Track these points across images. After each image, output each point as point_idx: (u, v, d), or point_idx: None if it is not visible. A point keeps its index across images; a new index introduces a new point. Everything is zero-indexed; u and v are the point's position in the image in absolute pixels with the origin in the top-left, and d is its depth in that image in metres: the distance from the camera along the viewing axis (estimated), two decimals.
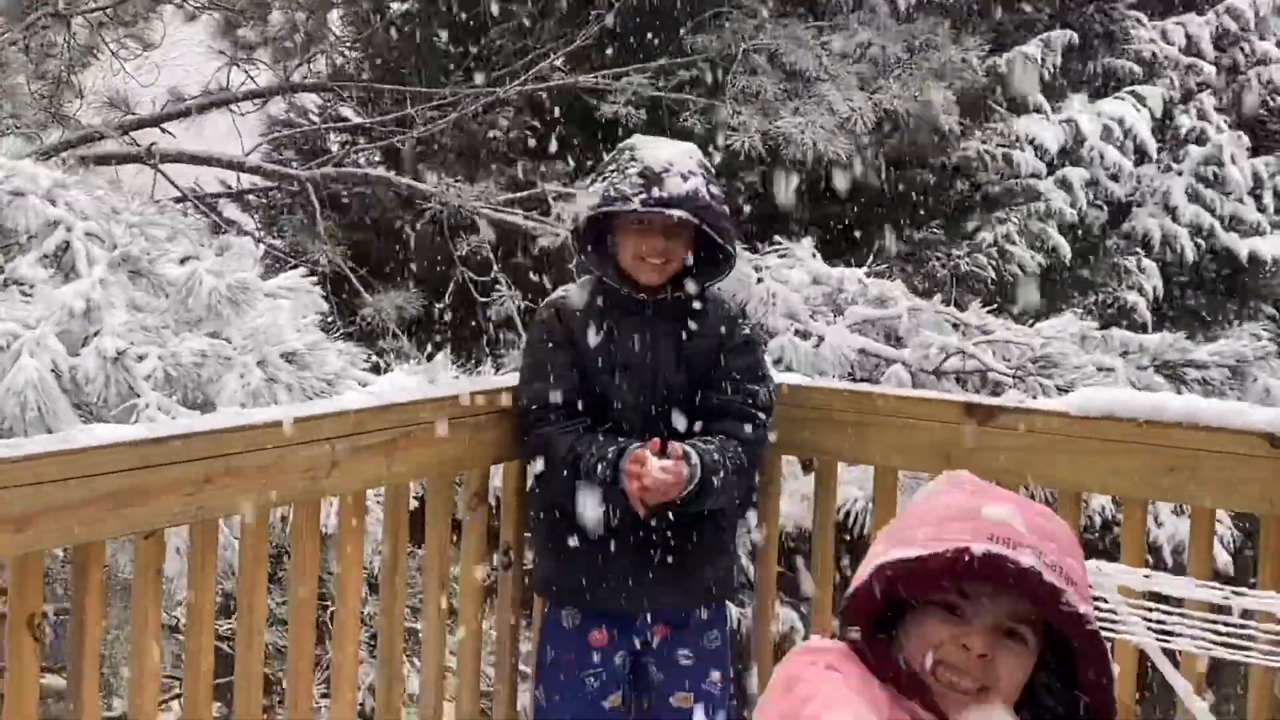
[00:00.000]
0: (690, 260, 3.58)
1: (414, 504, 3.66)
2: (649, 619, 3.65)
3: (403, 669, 3.76)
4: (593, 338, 3.56)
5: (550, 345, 3.58)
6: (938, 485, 2.12)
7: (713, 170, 3.61)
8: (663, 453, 3.42)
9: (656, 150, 3.53)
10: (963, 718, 1.97)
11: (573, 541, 3.54)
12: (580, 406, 3.55)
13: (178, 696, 5.95)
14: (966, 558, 1.91)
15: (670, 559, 3.57)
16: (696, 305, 3.59)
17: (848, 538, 5.75)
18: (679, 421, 3.58)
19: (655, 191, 3.43)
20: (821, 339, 7.16)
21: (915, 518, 2.05)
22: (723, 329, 3.61)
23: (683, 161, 3.48)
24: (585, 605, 3.63)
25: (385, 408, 3.29)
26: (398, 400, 3.40)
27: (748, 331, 3.67)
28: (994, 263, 9.50)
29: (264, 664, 3.15)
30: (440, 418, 3.38)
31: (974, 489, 2.07)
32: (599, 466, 3.43)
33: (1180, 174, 11.65)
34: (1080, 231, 10.72)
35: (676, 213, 3.41)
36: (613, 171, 3.54)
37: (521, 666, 4.03)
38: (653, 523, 3.51)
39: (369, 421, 3.20)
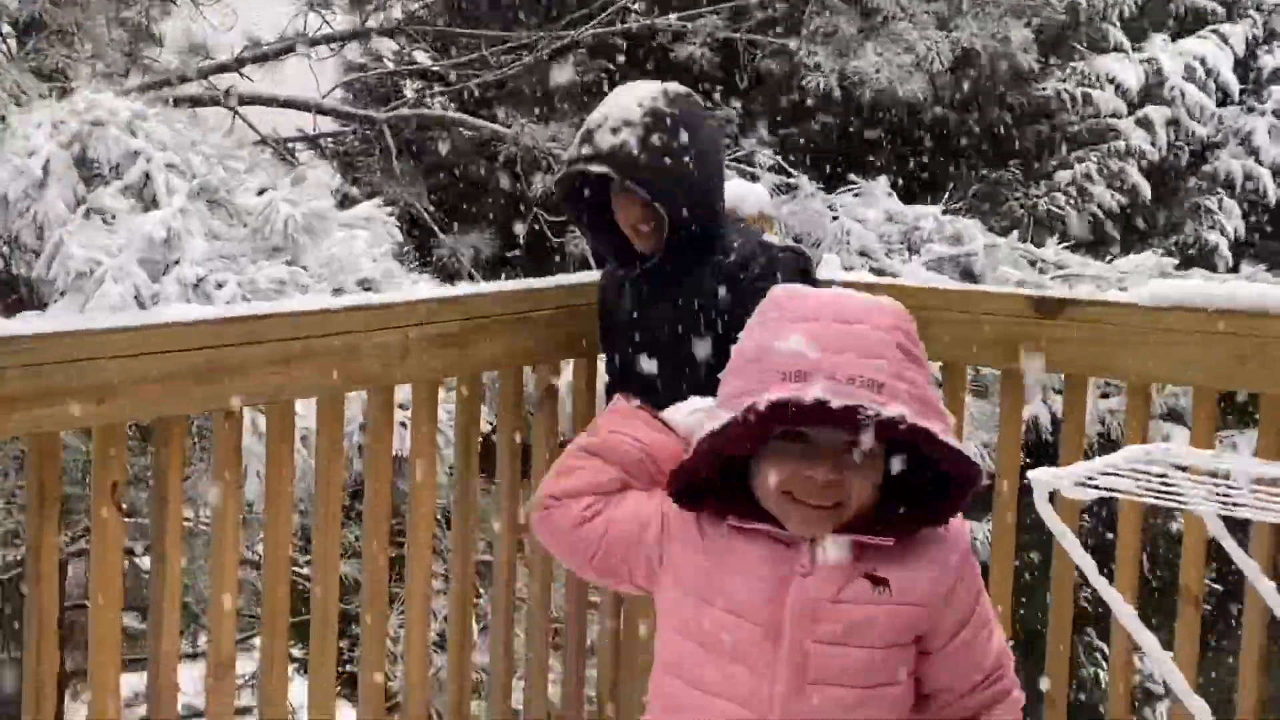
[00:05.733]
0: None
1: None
2: None
3: (474, 582, 3.78)
4: (612, 305, 3.45)
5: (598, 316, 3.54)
6: (761, 313, 2.07)
7: (683, 116, 3.15)
8: None
9: (607, 101, 3.20)
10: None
11: None
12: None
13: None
14: (753, 417, 1.91)
15: None
16: (694, 266, 3.22)
17: None
18: (678, 384, 3.19)
19: (584, 149, 3.13)
20: (896, 276, 7.15)
21: (733, 366, 2.04)
22: (723, 288, 3.19)
23: (624, 111, 3.12)
24: None
25: (455, 299, 3.33)
26: (468, 292, 3.45)
27: (764, 261, 3.19)
28: (1073, 202, 9.44)
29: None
30: (509, 311, 3.42)
31: (777, 314, 2.02)
32: None
33: (1263, 114, 11.48)
34: (1161, 171, 10.62)
35: (596, 169, 3.11)
36: None
37: (592, 596, 3.97)
38: None
39: (441, 312, 3.24)
